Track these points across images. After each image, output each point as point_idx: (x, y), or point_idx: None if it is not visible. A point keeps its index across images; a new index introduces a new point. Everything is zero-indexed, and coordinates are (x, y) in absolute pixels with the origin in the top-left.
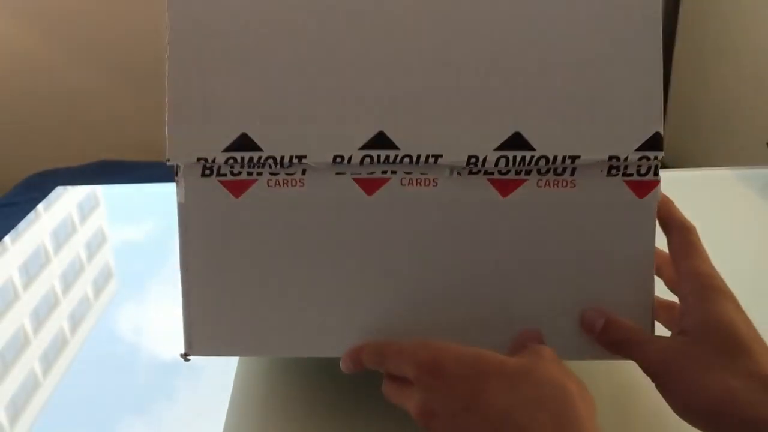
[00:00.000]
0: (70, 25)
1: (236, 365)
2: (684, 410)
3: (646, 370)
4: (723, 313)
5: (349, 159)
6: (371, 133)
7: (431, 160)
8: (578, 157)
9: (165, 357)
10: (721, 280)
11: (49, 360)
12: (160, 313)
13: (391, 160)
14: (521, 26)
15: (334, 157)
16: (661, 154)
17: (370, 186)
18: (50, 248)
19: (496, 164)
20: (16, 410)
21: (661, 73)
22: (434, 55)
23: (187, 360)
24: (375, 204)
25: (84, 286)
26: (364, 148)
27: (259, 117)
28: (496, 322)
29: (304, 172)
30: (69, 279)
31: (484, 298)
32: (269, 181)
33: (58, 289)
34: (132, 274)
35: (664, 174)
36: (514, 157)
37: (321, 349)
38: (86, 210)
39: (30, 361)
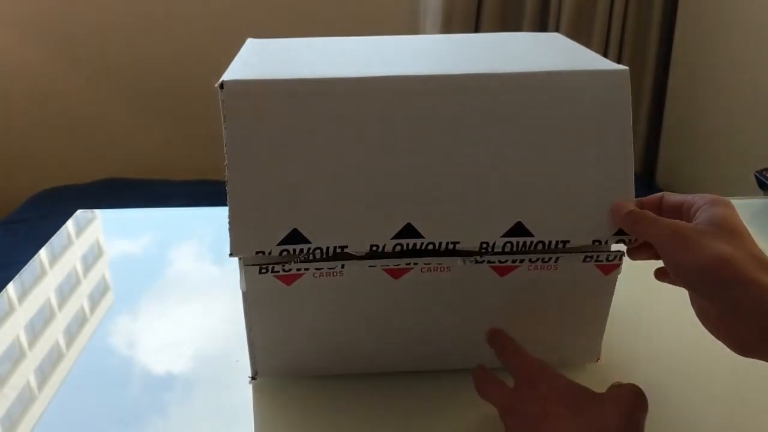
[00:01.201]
0: (79, 44)
1: (229, 382)
2: (680, 270)
3: (656, 242)
4: (728, 216)
5: (383, 248)
6: (400, 226)
7: (450, 246)
8: (568, 241)
9: (159, 372)
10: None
11: (44, 373)
12: (154, 328)
13: (417, 247)
14: (518, 138)
15: (371, 246)
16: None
17: (396, 273)
18: (46, 262)
19: (503, 249)
20: (11, 423)
21: (632, 174)
22: (449, 162)
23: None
24: (400, 286)
25: (80, 300)
26: (395, 237)
27: (307, 215)
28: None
29: (343, 266)
30: (65, 293)
31: (480, 349)
32: (314, 274)
33: (54, 303)
34: (127, 288)
35: None
36: (517, 242)
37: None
38: (83, 226)
39: (25, 374)
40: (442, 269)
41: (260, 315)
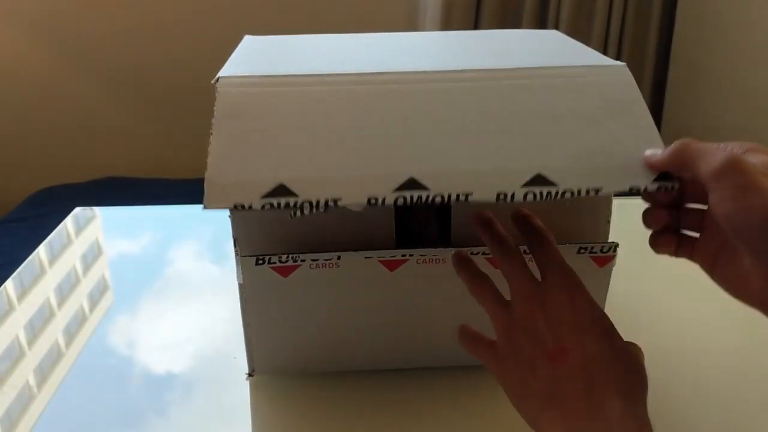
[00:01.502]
0: (77, 44)
1: (228, 381)
2: (739, 215)
3: (706, 177)
4: None
5: (383, 200)
6: (403, 179)
7: (462, 197)
8: (600, 188)
9: (158, 371)
10: None
11: (43, 372)
12: (153, 327)
13: (423, 200)
14: (532, 98)
15: (369, 200)
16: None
17: (392, 265)
18: (45, 261)
19: (525, 198)
20: (11, 422)
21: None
22: (456, 114)
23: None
24: (396, 278)
25: (79, 298)
26: (397, 190)
27: (295, 167)
28: None
29: (339, 257)
30: (64, 291)
31: None
32: (311, 265)
33: (53, 302)
34: (127, 287)
35: None
36: (540, 192)
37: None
38: (82, 225)
39: (25, 373)
40: (438, 261)
41: (257, 308)
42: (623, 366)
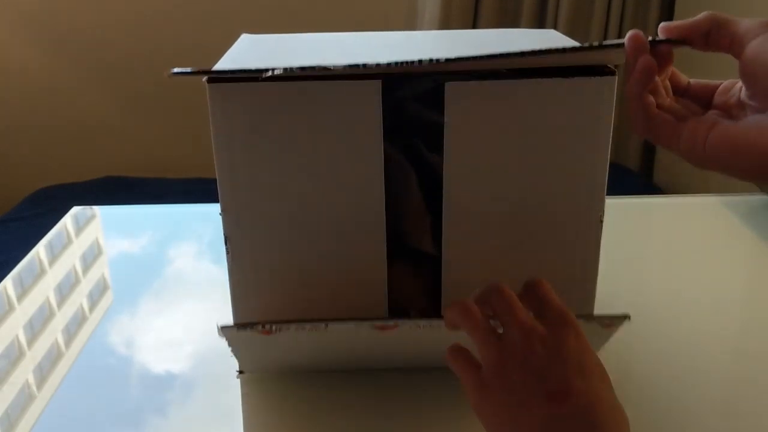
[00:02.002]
0: (76, 43)
1: (227, 381)
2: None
3: (746, 29)
4: None
5: (375, 65)
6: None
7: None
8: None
9: (157, 371)
10: None
11: (43, 372)
12: (153, 326)
13: (412, 64)
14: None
15: (356, 64)
16: None
17: (383, 328)
18: (45, 261)
19: (523, 56)
20: (10, 423)
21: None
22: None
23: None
24: (386, 337)
25: (79, 298)
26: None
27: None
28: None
29: (326, 325)
30: (64, 291)
31: None
32: (297, 328)
33: (53, 301)
34: (126, 287)
35: (658, 200)
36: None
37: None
38: (82, 224)
39: (24, 373)
40: (431, 326)
41: (242, 351)
42: (621, 415)
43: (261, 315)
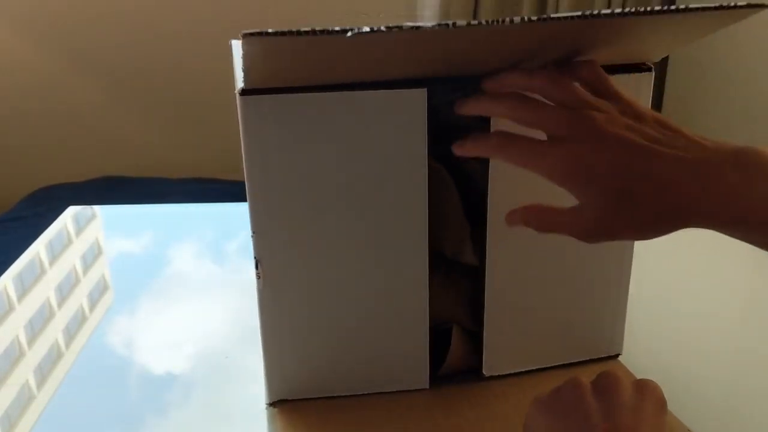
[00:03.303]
0: (75, 43)
1: (227, 381)
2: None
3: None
4: None
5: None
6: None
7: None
8: None
9: (158, 371)
10: None
11: (43, 372)
12: (153, 327)
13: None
14: None
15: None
16: None
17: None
18: (45, 260)
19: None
20: (10, 423)
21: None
22: None
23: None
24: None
25: (79, 298)
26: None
27: None
28: None
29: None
30: (64, 291)
31: None
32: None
33: (53, 301)
34: (127, 287)
35: None
36: None
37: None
38: (83, 224)
39: (24, 373)
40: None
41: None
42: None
43: (290, 335)
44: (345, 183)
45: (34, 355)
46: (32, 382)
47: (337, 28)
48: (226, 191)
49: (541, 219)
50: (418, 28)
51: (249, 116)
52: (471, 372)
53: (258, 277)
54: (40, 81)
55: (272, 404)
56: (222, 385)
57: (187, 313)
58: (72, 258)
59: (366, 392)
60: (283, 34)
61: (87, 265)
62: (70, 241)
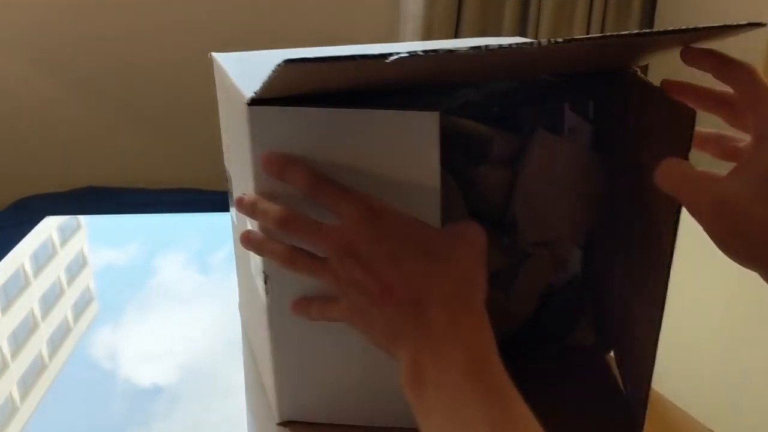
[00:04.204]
0: (58, 53)
1: (213, 394)
2: (735, 253)
3: (695, 214)
4: None
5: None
6: None
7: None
8: None
9: (143, 383)
10: None
11: (26, 384)
12: (138, 338)
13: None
14: None
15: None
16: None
17: None
18: (30, 272)
19: None
20: None
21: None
22: None
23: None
24: None
25: (63, 310)
26: None
27: None
28: None
29: None
30: (48, 302)
31: None
32: None
33: (37, 313)
34: (111, 298)
35: None
36: None
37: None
38: (67, 234)
39: (8, 385)
40: None
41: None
42: (449, 281)
43: (299, 347)
44: None
45: (18, 367)
46: (15, 394)
47: (375, 53)
48: (207, 201)
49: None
50: (452, 51)
51: (257, 127)
52: None
53: (266, 293)
54: (22, 91)
55: (283, 424)
56: (206, 398)
57: (172, 324)
58: (56, 269)
59: (377, 425)
60: (323, 60)
61: (71, 275)
62: (54, 252)
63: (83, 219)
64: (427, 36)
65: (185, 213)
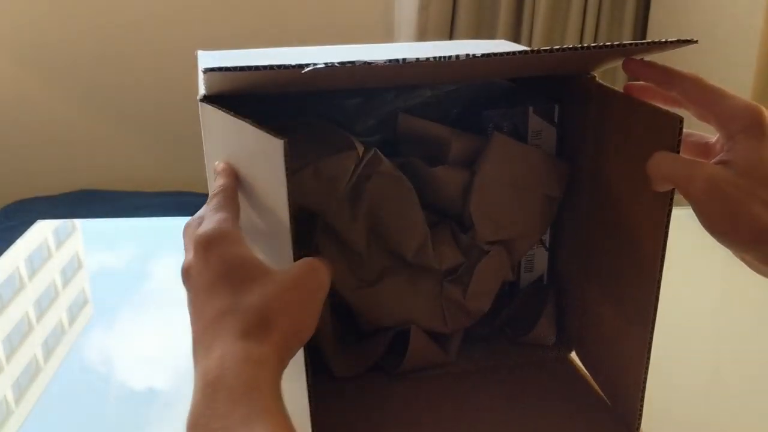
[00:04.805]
0: (50, 56)
1: None
2: (724, 234)
3: (689, 195)
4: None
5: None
6: None
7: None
8: None
9: (137, 387)
10: None
11: (21, 388)
12: (133, 342)
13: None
14: None
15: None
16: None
17: None
18: (25, 275)
19: None
20: None
21: None
22: None
23: None
24: None
25: (58, 313)
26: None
27: None
28: None
29: None
30: (43, 306)
31: None
32: None
33: (32, 316)
34: (106, 302)
35: None
36: None
37: None
38: (62, 238)
39: (2, 388)
40: None
41: None
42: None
43: None
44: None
45: (13, 370)
46: (10, 398)
47: (293, 63)
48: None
49: None
50: (369, 63)
51: (205, 121)
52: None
53: None
54: (15, 94)
55: None
56: None
57: (166, 327)
58: (51, 272)
59: None
60: (242, 69)
61: (66, 279)
62: (49, 255)
63: (78, 222)
64: (422, 36)
65: (179, 216)
